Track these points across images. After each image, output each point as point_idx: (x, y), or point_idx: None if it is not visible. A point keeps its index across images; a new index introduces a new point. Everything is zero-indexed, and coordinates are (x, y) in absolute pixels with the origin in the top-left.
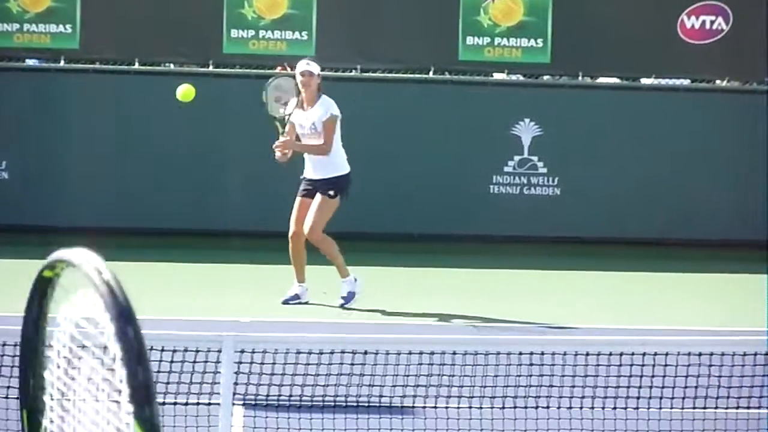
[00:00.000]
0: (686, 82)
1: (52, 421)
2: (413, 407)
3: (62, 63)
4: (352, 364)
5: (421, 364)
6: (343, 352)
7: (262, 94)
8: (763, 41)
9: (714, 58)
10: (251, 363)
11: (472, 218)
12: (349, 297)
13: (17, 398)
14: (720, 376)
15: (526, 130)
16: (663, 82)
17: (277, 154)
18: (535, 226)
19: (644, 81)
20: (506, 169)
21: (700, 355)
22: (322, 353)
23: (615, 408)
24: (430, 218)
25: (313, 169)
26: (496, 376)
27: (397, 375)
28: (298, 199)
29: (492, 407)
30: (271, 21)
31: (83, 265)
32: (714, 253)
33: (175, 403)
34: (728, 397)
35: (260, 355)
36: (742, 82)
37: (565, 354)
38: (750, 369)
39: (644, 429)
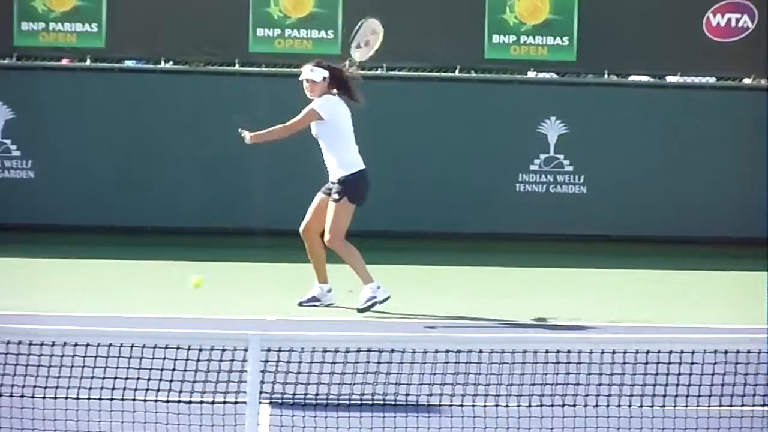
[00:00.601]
0: (712, 80)
1: None
2: (439, 405)
3: (88, 62)
4: (378, 363)
5: (447, 362)
6: (369, 350)
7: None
8: None
9: (739, 56)
10: (277, 361)
11: (498, 217)
12: (369, 302)
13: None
14: (746, 374)
15: (552, 129)
16: (688, 80)
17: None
18: (561, 225)
19: (670, 79)
20: (532, 167)
21: (726, 353)
22: (348, 351)
23: (641, 406)
24: (455, 216)
25: (328, 169)
26: (523, 374)
27: (423, 373)
28: (318, 194)
29: (518, 405)
30: (296, 20)
31: None
32: (745, 251)
33: (201, 402)
34: (754, 395)
35: (286, 353)
36: (767, 79)
37: (591, 352)
38: None
39: (671, 427)
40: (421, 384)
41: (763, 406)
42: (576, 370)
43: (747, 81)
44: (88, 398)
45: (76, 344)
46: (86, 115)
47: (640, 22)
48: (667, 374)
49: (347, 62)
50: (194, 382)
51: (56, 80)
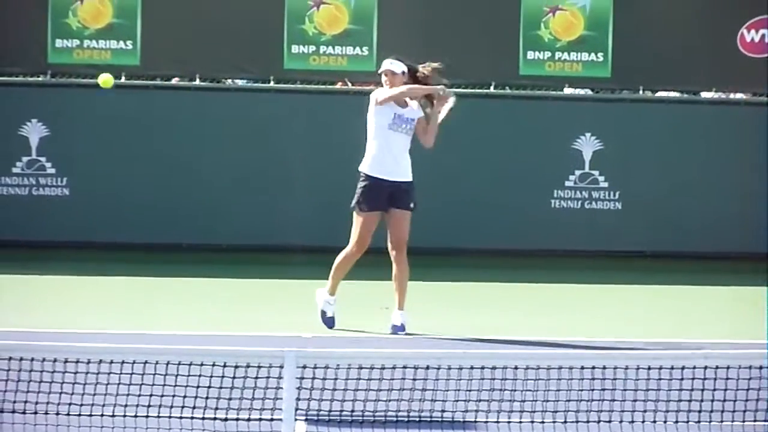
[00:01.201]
0: (747, 95)
1: None
2: (475, 422)
3: (123, 79)
4: (414, 379)
5: (482, 378)
6: (404, 367)
7: None
8: None
9: None
10: (313, 378)
11: (533, 233)
12: (320, 311)
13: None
14: None
15: (587, 145)
16: (723, 95)
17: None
18: (596, 241)
19: (704, 95)
20: (567, 183)
21: (761, 368)
22: (383, 368)
23: (677, 422)
24: (490, 233)
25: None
26: (558, 390)
27: (458, 390)
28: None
29: (554, 422)
30: (331, 36)
31: None
32: None
33: (237, 419)
34: None
35: (322, 370)
36: None
37: (627, 368)
38: None
39: None
40: (457, 400)
41: None
42: (612, 386)
43: None
44: (124, 416)
45: (111, 362)
46: (121, 133)
47: (674, 38)
48: (702, 390)
49: (429, 65)
50: (230, 399)
51: (91, 97)
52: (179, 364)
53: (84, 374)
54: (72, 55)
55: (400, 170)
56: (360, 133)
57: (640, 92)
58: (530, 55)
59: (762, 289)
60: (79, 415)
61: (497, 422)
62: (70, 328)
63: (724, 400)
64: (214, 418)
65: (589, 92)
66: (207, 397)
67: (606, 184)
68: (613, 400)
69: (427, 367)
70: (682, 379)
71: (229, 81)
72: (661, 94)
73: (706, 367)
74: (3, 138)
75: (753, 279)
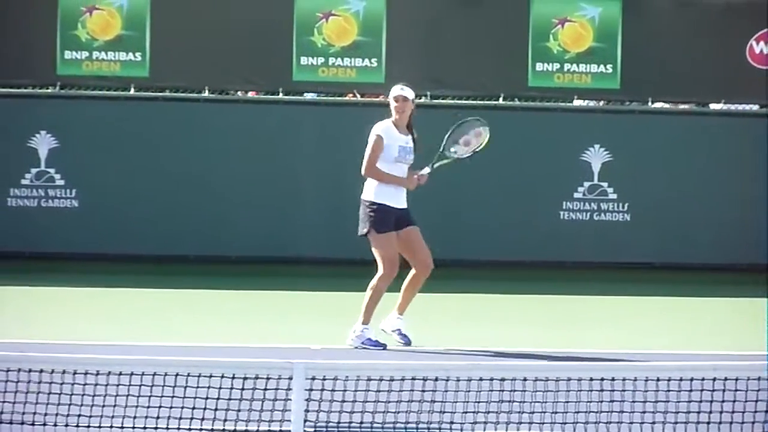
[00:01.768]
0: (755, 107)
1: None
2: None
3: (132, 91)
4: (423, 391)
5: (491, 390)
6: (413, 378)
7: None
8: None
9: None
10: (322, 390)
11: (542, 244)
12: (357, 340)
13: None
14: None
15: (596, 156)
16: (732, 107)
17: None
18: (605, 252)
19: (713, 106)
20: (576, 195)
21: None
22: (392, 380)
23: None
24: (499, 244)
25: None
26: (567, 402)
27: (467, 401)
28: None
29: None
30: (340, 48)
31: None
32: None
33: (246, 431)
34: None
35: (331, 382)
36: None
37: (636, 380)
38: None
39: None
40: (465, 412)
41: None
42: (620, 398)
43: None
44: (133, 427)
45: (120, 373)
46: (130, 144)
47: (683, 50)
48: (711, 401)
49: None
50: (239, 410)
51: (100, 109)
52: (188, 375)
53: (93, 386)
54: (81, 66)
55: (402, 198)
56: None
57: (649, 104)
58: (539, 66)
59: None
60: (88, 426)
61: None
62: (78, 339)
63: (733, 412)
64: (223, 430)
65: (598, 104)
66: (216, 409)
67: (615, 196)
68: (622, 412)
69: (436, 379)
70: (690, 390)
71: (239, 93)
72: (670, 105)
73: (714, 379)
74: (12, 150)
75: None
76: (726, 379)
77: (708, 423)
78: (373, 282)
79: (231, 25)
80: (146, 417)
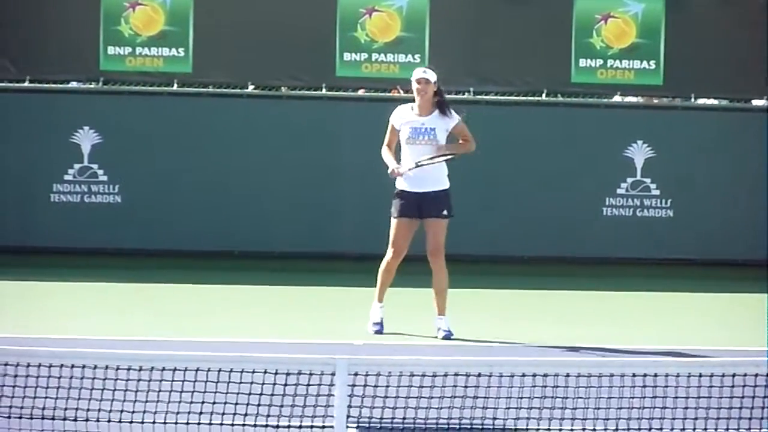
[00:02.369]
0: None
1: None
2: (527, 429)
3: (175, 87)
4: (465, 387)
5: (534, 386)
6: (456, 374)
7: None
8: None
9: None
10: (364, 386)
11: (584, 240)
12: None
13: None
14: None
15: (639, 152)
16: None
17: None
18: (647, 248)
19: (756, 102)
20: (619, 191)
21: None
22: (435, 376)
23: (728, 429)
24: (542, 240)
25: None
26: (610, 397)
27: (510, 397)
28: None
29: (605, 429)
30: (383, 44)
31: None
32: None
33: (288, 426)
34: None
35: (374, 377)
36: None
37: (678, 375)
38: None
39: None
40: (508, 408)
41: None
42: (663, 393)
43: None
44: (176, 423)
45: (163, 369)
46: (172, 140)
47: (726, 46)
48: (753, 397)
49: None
50: (281, 406)
51: (143, 105)
52: (231, 371)
53: (136, 381)
54: (124, 62)
55: (428, 181)
56: None
57: (692, 100)
58: (582, 62)
59: None
60: (131, 422)
61: (549, 430)
62: (122, 335)
63: None
64: (266, 426)
65: (641, 100)
66: (258, 405)
67: (658, 192)
68: (665, 408)
69: (479, 375)
70: (732, 386)
71: (283, 88)
72: (713, 101)
73: (756, 375)
74: (55, 145)
75: None
76: None
77: (750, 419)
78: (382, 263)
79: (274, 20)
80: (189, 413)
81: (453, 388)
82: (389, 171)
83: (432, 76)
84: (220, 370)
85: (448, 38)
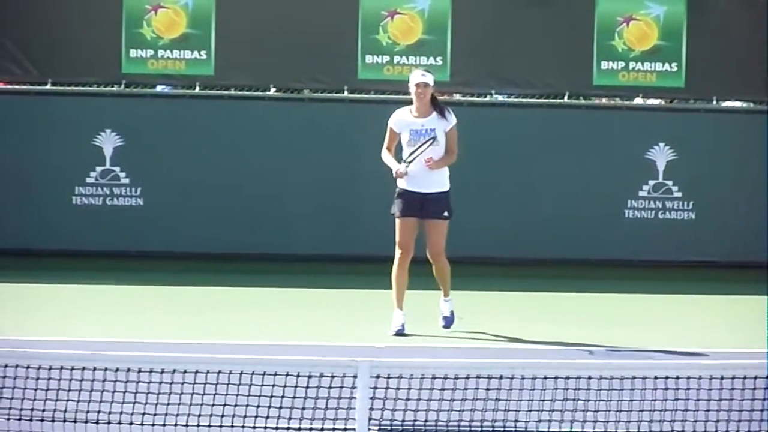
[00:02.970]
0: None
1: None
2: None
3: (197, 89)
4: (488, 389)
5: (556, 388)
6: (477, 376)
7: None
8: None
9: None
10: (386, 388)
11: (606, 243)
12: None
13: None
14: None
15: (661, 155)
16: None
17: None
18: (670, 251)
19: None
20: (641, 193)
21: None
22: (457, 378)
23: None
24: (564, 243)
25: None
26: (632, 400)
27: (531, 399)
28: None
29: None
30: (405, 47)
31: None
32: None
33: (310, 429)
34: None
35: (395, 380)
36: None
37: (700, 378)
38: None
39: None
40: (530, 410)
41: None
42: (684, 396)
43: None
44: (198, 425)
45: (185, 371)
46: (195, 143)
47: (748, 48)
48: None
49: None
50: (303, 408)
51: (165, 107)
52: (252, 374)
53: (157, 384)
54: (146, 65)
55: (429, 182)
56: None
57: (714, 102)
58: (604, 65)
59: None
60: (153, 425)
61: None
62: (143, 337)
63: None
64: (288, 428)
65: (663, 102)
66: (281, 407)
67: (680, 194)
68: (686, 410)
69: (501, 377)
70: (754, 389)
71: (305, 91)
72: (735, 104)
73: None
74: (77, 148)
75: None
76: None
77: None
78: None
79: (296, 23)
80: (211, 415)
81: (474, 391)
82: (394, 172)
83: (430, 80)
84: (242, 373)
85: (469, 40)
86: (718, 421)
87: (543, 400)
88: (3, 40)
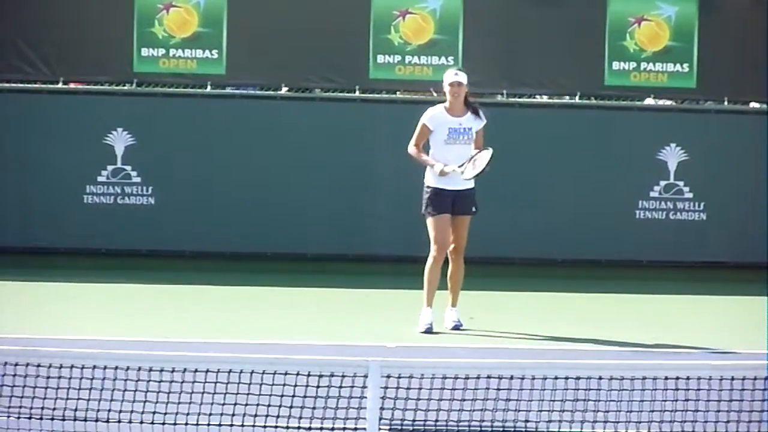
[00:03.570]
0: None
1: None
2: None
3: (208, 88)
4: (498, 389)
5: (566, 388)
6: (488, 376)
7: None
8: None
9: None
10: (397, 388)
11: (617, 243)
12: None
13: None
14: None
15: (672, 155)
16: None
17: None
18: (681, 252)
19: None
20: (652, 194)
21: None
22: (468, 378)
23: None
24: (574, 243)
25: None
26: (642, 401)
27: (542, 400)
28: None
29: None
30: (417, 46)
31: None
32: None
33: (321, 428)
34: None
35: (406, 380)
36: None
37: (710, 379)
38: None
39: None
40: (541, 411)
41: None
42: (695, 396)
43: None
44: (208, 424)
45: (196, 370)
46: (206, 142)
47: (760, 49)
48: None
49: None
50: (314, 408)
51: (176, 106)
52: (263, 373)
53: (168, 383)
54: (158, 64)
55: (460, 180)
56: None
57: (725, 103)
58: (615, 65)
59: None
60: (164, 423)
61: None
62: (154, 336)
63: None
64: (298, 428)
65: (674, 102)
66: (291, 406)
67: (691, 195)
68: (697, 411)
69: (511, 377)
70: (765, 389)
71: (317, 90)
72: (746, 105)
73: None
74: (88, 147)
75: None
76: None
77: None
78: (426, 264)
79: (308, 22)
80: (221, 414)
81: (485, 391)
82: (439, 170)
83: (464, 79)
84: (252, 372)
85: (481, 40)
86: (717, 421)
87: (554, 401)
88: (15, 39)
